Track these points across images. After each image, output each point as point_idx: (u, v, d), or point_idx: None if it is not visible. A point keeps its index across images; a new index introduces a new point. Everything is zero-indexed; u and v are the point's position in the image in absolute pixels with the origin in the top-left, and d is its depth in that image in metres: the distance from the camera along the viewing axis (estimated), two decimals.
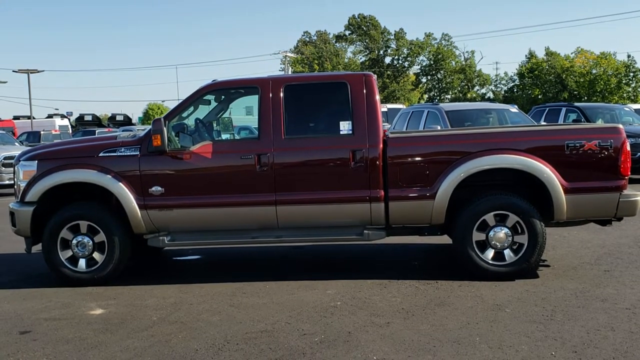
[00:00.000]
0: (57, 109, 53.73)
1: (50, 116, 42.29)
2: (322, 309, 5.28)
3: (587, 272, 6.25)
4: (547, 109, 17.25)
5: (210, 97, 6.79)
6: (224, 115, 7.07)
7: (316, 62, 66.12)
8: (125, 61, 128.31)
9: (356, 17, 71.01)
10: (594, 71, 51.10)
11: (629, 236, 7.98)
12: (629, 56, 52.90)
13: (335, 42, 72.10)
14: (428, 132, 7.99)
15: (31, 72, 42.00)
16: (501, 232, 5.92)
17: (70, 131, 37.35)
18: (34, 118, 40.48)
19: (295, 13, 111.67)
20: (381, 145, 6.02)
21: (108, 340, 4.70)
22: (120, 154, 6.21)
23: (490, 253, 5.96)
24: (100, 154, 6.24)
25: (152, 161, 6.17)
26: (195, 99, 6.46)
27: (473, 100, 58.38)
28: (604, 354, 4.10)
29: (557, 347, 4.25)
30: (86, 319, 5.26)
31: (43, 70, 46.15)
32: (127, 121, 42.49)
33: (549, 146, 5.96)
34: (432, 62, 67.79)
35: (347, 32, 71.55)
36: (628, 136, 6.23)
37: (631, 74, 51.29)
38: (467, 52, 67.93)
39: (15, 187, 6.57)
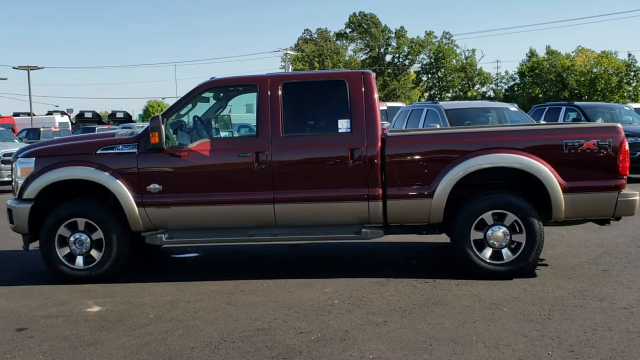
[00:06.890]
0: (57, 106, 53.61)
1: (50, 113, 42.19)
2: (319, 307, 5.27)
3: (585, 272, 6.25)
4: (547, 107, 17.27)
5: (209, 94, 6.79)
6: (222, 113, 7.06)
7: (317, 60, 66.04)
8: (125, 58, 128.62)
9: (357, 15, 70.92)
10: (594, 70, 51.08)
11: (628, 235, 7.97)
12: (629, 55, 52.91)
13: (336, 40, 71.97)
14: (427, 131, 7.99)
15: (31, 69, 41.95)
16: (499, 231, 5.91)
17: (70, 128, 37.33)
18: (34, 115, 40.42)
19: (296, 11, 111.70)
20: (379, 144, 6.01)
21: (105, 337, 4.69)
22: (118, 151, 6.20)
23: (488, 252, 5.95)
24: (98, 152, 6.23)
25: (150, 159, 6.16)
26: (194, 96, 6.44)
27: (474, 98, 58.29)
28: (601, 354, 4.09)
29: (554, 346, 4.25)
30: (83, 316, 5.26)
31: (43, 67, 45.99)
32: (128, 118, 42.37)
33: (548, 145, 5.95)
34: (432, 61, 67.72)
35: (347, 30, 71.46)
36: (627, 135, 6.22)
37: (632, 73, 51.27)
38: (467, 50, 67.76)
39: (13, 184, 6.56)
